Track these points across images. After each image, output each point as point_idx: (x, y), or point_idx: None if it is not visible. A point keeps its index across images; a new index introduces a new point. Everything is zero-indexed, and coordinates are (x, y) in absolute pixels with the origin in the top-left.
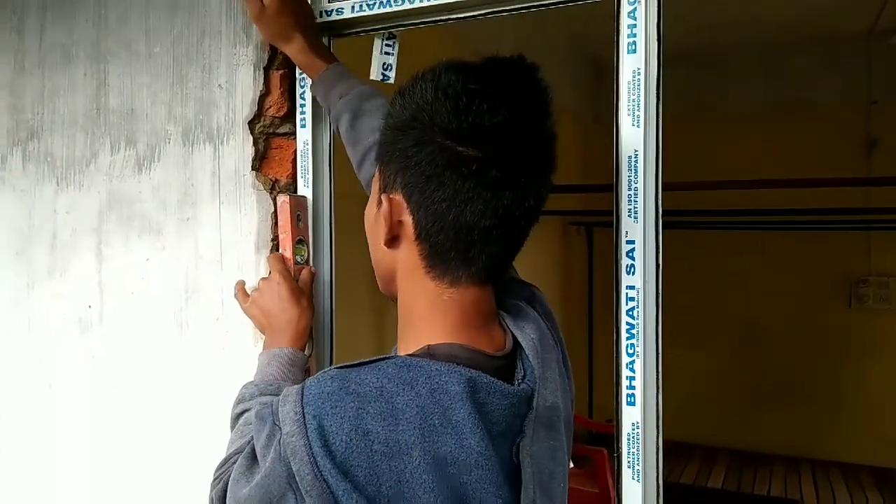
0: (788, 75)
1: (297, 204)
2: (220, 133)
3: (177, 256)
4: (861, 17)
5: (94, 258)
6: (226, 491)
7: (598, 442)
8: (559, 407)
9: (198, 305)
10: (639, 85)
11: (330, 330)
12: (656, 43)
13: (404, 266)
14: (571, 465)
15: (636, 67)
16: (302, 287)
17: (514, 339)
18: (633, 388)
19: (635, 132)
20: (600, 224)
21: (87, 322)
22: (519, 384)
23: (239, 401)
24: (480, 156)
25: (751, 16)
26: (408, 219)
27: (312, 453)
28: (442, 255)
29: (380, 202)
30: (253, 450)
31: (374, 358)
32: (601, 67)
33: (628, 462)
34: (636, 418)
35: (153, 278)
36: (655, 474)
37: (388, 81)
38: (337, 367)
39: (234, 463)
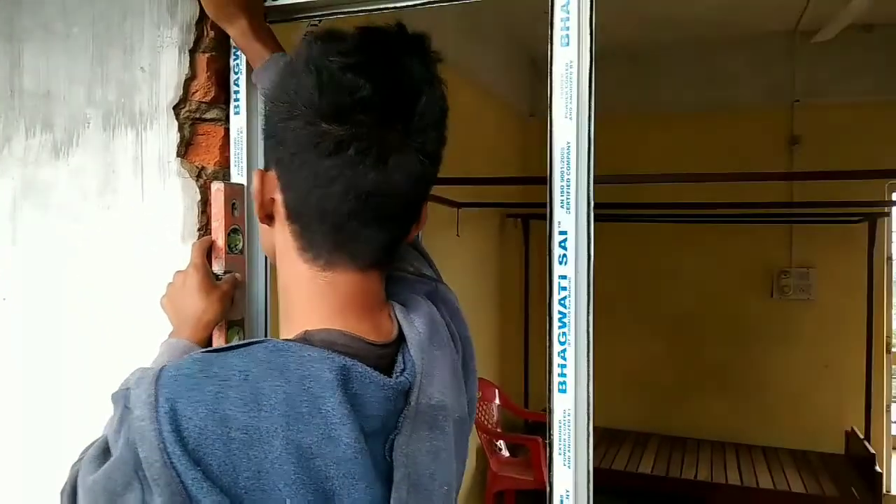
0: (717, 73)
1: (233, 192)
2: (142, 117)
3: (96, 246)
4: (785, 17)
5: (9, 247)
6: (76, 479)
7: (533, 431)
8: (446, 406)
9: (118, 296)
10: (571, 77)
11: (265, 323)
12: (588, 36)
13: (281, 246)
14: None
15: (569, 60)
16: (221, 284)
17: (401, 331)
18: (564, 375)
19: (568, 124)
20: (536, 216)
21: (2, 317)
22: (397, 377)
23: (122, 384)
24: (342, 134)
25: (682, 14)
26: (279, 197)
27: (162, 438)
28: (312, 238)
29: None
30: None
31: (246, 341)
32: (538, 64)
33: (559, 449)
34: (568, 406)
35: (71, 269)
36: (586, 460)
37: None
38: (203, 351)
39: (92, 446)
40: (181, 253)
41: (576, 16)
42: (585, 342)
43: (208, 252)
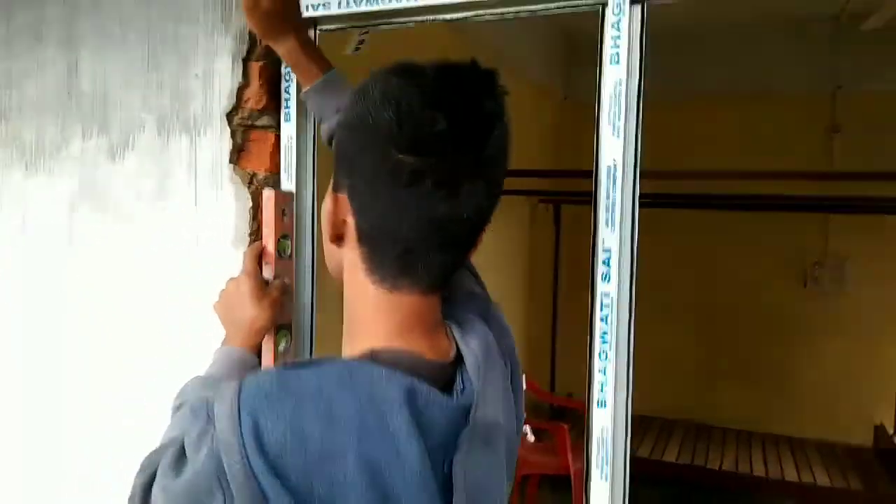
0: (760, 58)
1: (283, 198)
2: (196, 124)
3: (151, 250)
4: (831, 3)
5: (66, 246)
6: (152, 480)
7: (559, 416)
8: (500, 424)
9: (172, 299)
10: (620, 95)
11: (311, 327)
12: (639, 55)
13: (349, 265)
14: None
15: (618, 78)
16: (271, 290)
17: (458, 350)
18: (603, 392)
19: (615, 142)
20: (569, 202)
21: (59, 317)
22: (458, 397)
23: (179, 393)
24: (417, 166)
25: None
26: (351, 221)
27: (245, 452)
28: (380, 261)
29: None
30: (182, 445)
31: (316, 359)
32: (573, 40)
33: (596, 463)
34: (606, 423)
35: (126, 270)
36: (623, 478)
37: (359, 53)
38: (277, 367)
39: (164, 454)
40: (232, 257)
41: (626, 34)
42: (626, 361)
43: (258, 257)
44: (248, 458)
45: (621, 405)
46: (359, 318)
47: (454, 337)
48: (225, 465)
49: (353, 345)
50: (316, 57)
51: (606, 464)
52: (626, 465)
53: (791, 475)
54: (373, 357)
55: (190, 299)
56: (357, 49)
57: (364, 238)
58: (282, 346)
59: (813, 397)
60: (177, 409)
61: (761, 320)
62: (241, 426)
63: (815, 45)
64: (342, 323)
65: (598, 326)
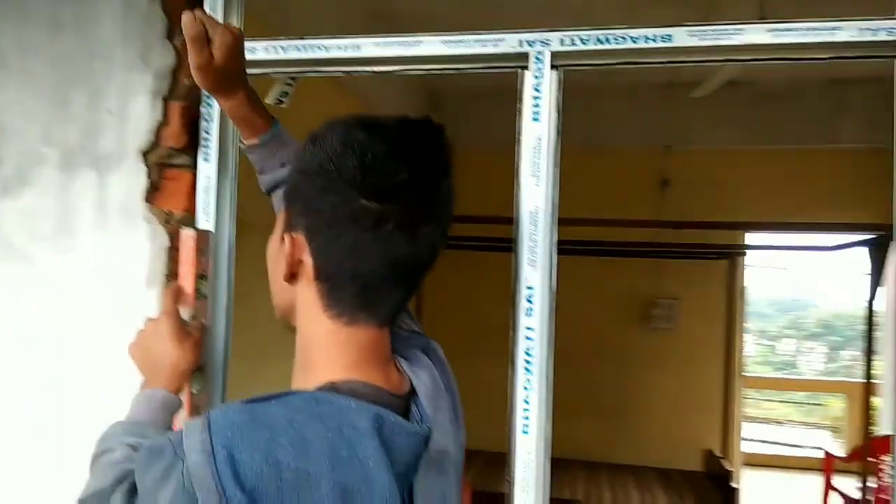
0: (601, 116)
1: (202, 238)
2: (107, 160)
3: (50, 292)
4: (663, 71)
5: None
6: None
7: None
8: (449, 451)
9: (76, 343)
10: (540, 149)
11: (223, 368)
12: (556, 114)
13: (303, 302)
14: None
15: (539, 134)
16: (192, 331)
17: (410, 382)
18: (527, 419)
19: (536, 190)
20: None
21: None
22: (419, 425)
23: (101, 440)
24: (381, 211)
25: None
26: (308, 259)
27: (221, 483)
28: (339, 297)
29: (282, 240)
30: (132, 487)
31: (279, 392)
32: (436, 98)
33: (520, 482)
34: (530, 447)
35: (22, 314)
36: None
37: (282, 106)
38: (241, 402)
39: (101, 501)
40: (146, 298)
41: (546, 93)
42: (546, 390)
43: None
44: (224, 489)
45: (542, 428)
46: (315, 351)
47: (404, 370)
48: (199, 498)
49: (309, 378)
50: (259, 110)
51: (532, 488)
52: (546, 488)
53: (637, 500)
54: (333, 388)
55: (101, 342)
56: (280, 101)
57: (322, 275)
58: (195, 389)
59: (650, 427)
60: (97, 457)
61: (603, 356)
62: (215, 458)
63: (648, 107)
64: (249, 365)
65: (522, 358)
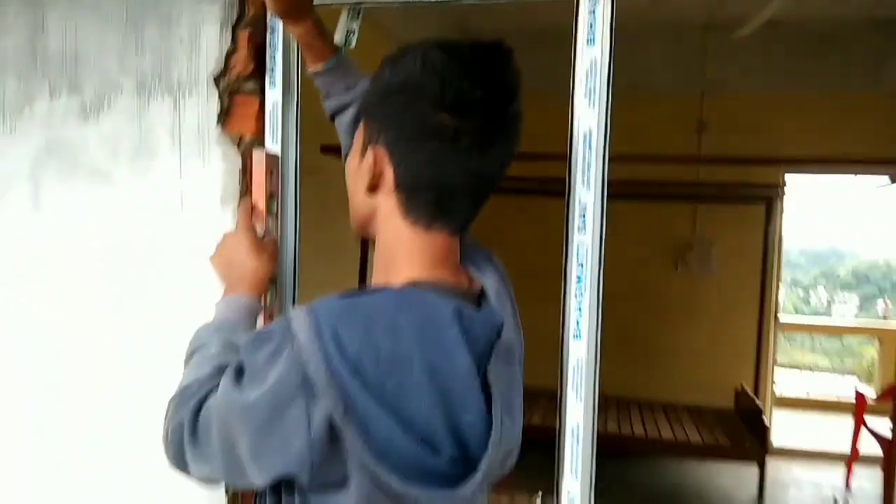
0: (636, 61)
1: (271, 160)
2: (181, 87)
3: (131, 211)
4: (700, 13)
5: (30, 212)
6: (200, 407)
7: None
8: (515, 346)
9: (159, 257)
10: (595, 72)
11: (294, 281)
12: (609, 36)
13: (384, 211)
14: None
15: (593, 57)
16: (267, 244)
17: (479, 286)
18: (578, 325)
19: (590, 112)
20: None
21: (21, 278)
22: (492, 317)
23: (194, 339)
24: (458, 126)
25: None
26: (388, 171)
27: (329, 357)
28: (418, 204)
29: (363, 154)
30: (238, 368)
31: (368, 289)
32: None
33: (573, 386)
34: (581, 354)
35: (102, 233)
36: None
37: (350, 47)
38: (338, 295)
39: (203, 387)
40: (220, 215)
41: (601, 18)
42: (597, 296)
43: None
44: (331, 361)
45: (593, 337)
46: (396, 255)
47: (472, 274)
48: (309, 370)
49: (391, 279)
50: (325, 37)
51: (581, 387)
52: (596, 389)
53: (667, 435)
54: (415, 286)
55: (181, 255)
56: (346, 41)
57: (402, 185)
58: (268, 299)
59: (683, 368)
60: (192, 354)
61: (637, 299)
62: (323, 336)
63: (685, 51)
64: (318, 276)
65: (574, 269)
